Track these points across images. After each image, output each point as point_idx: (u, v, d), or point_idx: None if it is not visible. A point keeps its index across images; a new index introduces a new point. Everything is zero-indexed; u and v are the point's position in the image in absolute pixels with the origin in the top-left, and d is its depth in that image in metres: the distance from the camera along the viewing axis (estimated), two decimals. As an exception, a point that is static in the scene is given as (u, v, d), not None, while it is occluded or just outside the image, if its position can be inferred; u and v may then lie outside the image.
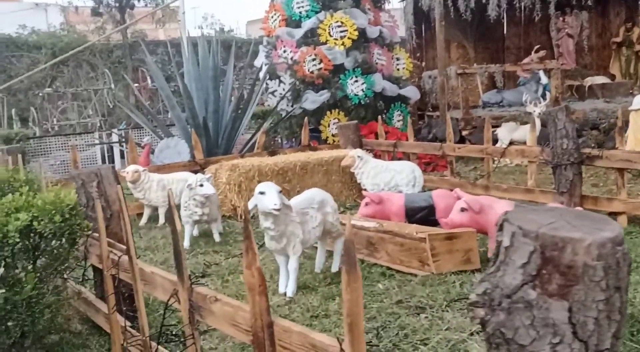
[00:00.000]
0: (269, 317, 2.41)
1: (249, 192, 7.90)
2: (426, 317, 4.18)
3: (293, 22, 11.72)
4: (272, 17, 12.04)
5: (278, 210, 4.41)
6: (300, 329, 2.33)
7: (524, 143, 9.39)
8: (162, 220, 7.73)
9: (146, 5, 20.38)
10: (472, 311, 1.73)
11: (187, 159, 9.18)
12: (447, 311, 4.25)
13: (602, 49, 16.25)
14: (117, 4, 19.02)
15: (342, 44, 11.20)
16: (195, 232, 6.84)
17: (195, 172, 8.39)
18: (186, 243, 6.59)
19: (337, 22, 11.22)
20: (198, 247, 6.50)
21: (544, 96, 12.08)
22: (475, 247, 5.10)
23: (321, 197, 5.04)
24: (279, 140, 12.61)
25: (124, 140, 12.36)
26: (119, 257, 3.71)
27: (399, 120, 11.78)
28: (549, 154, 6.77)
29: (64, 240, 3.09)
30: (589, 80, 14.54)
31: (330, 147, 9.68)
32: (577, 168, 6.32)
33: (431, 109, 14.23)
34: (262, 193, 4.47)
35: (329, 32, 11.25)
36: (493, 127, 11.60)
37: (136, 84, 16.28)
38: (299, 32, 11.58)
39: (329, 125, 11.22)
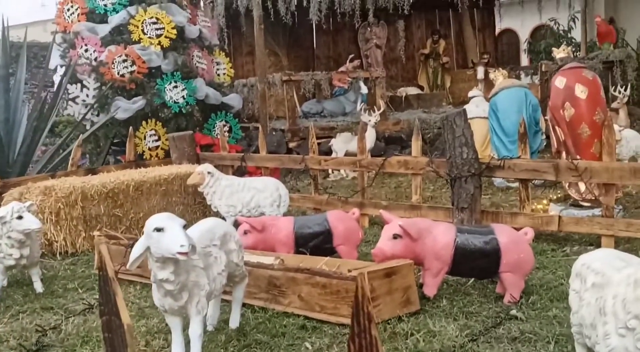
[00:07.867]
0: None
1: (70, 222, 6.19)
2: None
3: (97, 16, 9.90)
4: (67, 9, 10.09)
5: (185, 254, 2.99)
6: None
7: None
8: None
9: None
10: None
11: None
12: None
13: (408, 61, 16.38)
14: None
15: (159, 43, 9.65)
16: (4, 282, 5.00)
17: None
18: (-4, 299, 4.79)
19: (151, 18, 9.65)
20: (16, 305, 4.69)
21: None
22: (414, 283, 4.08)
23: (223, 230, 3.65)
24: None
25: None
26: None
27: (224, 132, 10.49)
28: (439, 164, 6.04)
29: None
30: (403, 91, 14.45)
31: (161, 162, 8.11)
32: (478, 180, 5.63)
33: (246, 120, 13.08)
34: (159, 230, 3.01)
35: (143, 30, 9.64)
36: (323, 138, 10.97)
37: None
38: (104, 29, 9.78)
39: (144, 138, 9.57)
